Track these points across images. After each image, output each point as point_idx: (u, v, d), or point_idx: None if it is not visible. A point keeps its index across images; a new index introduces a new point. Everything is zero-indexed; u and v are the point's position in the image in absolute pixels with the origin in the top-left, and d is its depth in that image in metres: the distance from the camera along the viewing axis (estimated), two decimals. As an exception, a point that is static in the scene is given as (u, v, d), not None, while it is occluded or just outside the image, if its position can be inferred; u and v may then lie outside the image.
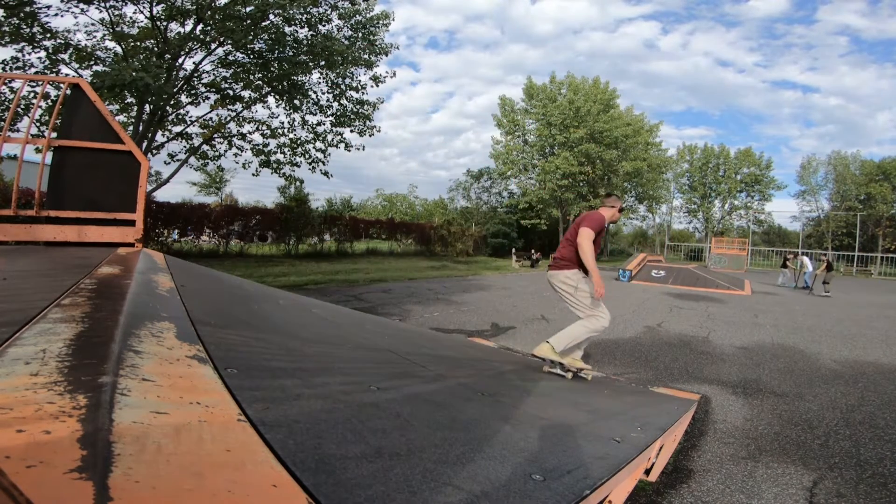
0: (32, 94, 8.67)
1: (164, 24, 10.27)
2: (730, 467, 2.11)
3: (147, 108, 10.25)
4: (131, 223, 3.31)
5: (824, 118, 69.22)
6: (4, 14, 8.29)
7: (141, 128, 10.30)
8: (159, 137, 11.40)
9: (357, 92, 12.74)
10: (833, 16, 65.72)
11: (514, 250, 23.23)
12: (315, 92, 12.39)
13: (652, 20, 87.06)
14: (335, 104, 12.65)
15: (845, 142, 68.73)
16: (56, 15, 9.16)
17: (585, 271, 3.14)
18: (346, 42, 11.75)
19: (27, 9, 8.41)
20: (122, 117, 10.70)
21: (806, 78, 74.65)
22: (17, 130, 8.34)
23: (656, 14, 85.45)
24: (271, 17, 10.33)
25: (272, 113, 12.68)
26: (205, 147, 12.13)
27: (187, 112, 12.05)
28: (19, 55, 8.92)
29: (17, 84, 8.16)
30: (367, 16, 12.07)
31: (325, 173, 13.23)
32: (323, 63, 11.28)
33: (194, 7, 9.90)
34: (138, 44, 10.22)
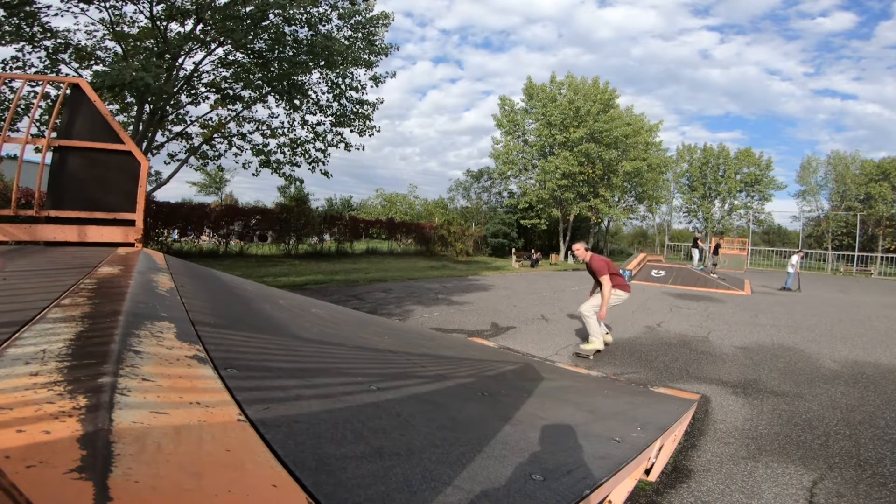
0: (32, 94, 8.67)
1: (164, 23, 10.27)
2: (730, 467, 2.10)
3: (147, 108, 10.25)
4: (131, 223, 3.31)
5: (856, 123, 70.51)
6: (5, 14, 8.29)
7: (141, 128, 10.30)
8: (159, 137, 11.40)
9: (357, 92, 12.76)
10: (892, 32, 66.42)
11: (514, 250, 23.23)
12: (315, 92, 12.40)
13: (715, 31, 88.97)
14: (335, 104, 12.66)
15: (873, 145, 70.18)
16: (56, 15, 9.17)
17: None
18: (346, 42, 11.76)
19: (27, 9, 8.41)
20: (122, 117, 10.70)
21: (849, 87, 76.15)
22: (17, 130, 8.35)
23: (721, 26, 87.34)
24: (271, 17, 10.34)
25: (272, 113, 12.68)
26: (205, 147, 12.14)
27: (187, 112, 12.05)
28: (19, 55, 8.92)
29: (17, 84, 8.17)
30: (367, 16, 12.07)
31: (325, 173, 13.24)
32: (323, 63, 11.28)
33: (194, 7, 9.91)
34: (138, 44, 10.22)
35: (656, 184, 34.15)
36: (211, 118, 12.26)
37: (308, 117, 12.67)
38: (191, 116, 12.13)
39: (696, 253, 16.46)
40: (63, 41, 9.35)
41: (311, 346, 1.68)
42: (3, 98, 8.66)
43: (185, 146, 11.89)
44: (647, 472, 1.86)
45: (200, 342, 1.12)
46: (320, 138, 12.87)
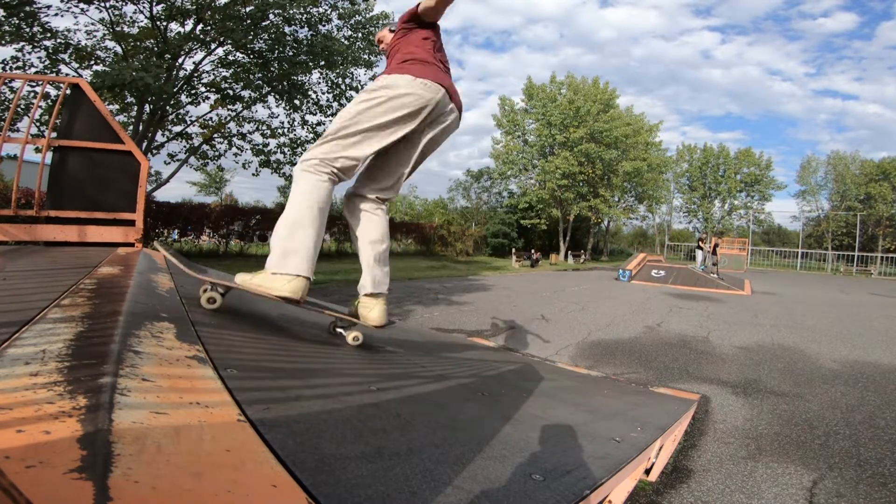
0: (32, 94, 8.67)
1: (164, 23, 10.28)
2: (730, 467, 2.10)
3: (147, 108, 10.26)
4: (131, 223, 3.31)
5: (857, 123, 70.98)
6: (5, 14, 8.30)
7: (141, 128, 10.31)
8: (159, 137, 11.42)
9: (357, 92, 12.77)
10: (893, 32, 66.76)
11: (513, 250, 23.24)
12: (315, 92, 12.42)
13: (716, 31, 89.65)
14: (335, 104, 12.67)
15: (874, 145, 70.64)
16: (56, 15, 9.19)
17: None
18: (346, 42, 11.77)
19: (27, 9, 8.42)
20: (122, 117, 10.71)
21: (850, 87, 76.70)
22: (17, 130, 8.36)
23: (723, 26, 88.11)
24: (271, 17, 10.34)
25: (272, 113, 12.71)
26: (205, 147, 12.15)
27: (187, 112, 12.09)
28: (19, 55, 8.93)
29: (17, 84, 8.17)
30: (367, 16, 12.09)
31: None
32: (323, 63, 11.30)
33: (194, 7, 9.92)
34: (138, 44, 10.23)
35: (656, 184, 34.21)
36: (211, 118, 12.28)
37: (308, 117, 12.70)
38: (191, 116, 12.17)
39: (699, 254, 16.71)
40: (63, 41, 9.36)
41: (311, 346, 1.68)
42: (3, 98, 8.67)
43: (185, 146, 11.92)
44: (647, 472, 1.86)
45: (200, 342, 1.12)
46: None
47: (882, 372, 4.04)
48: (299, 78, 11.72)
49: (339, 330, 1.94)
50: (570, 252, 28.94)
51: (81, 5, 9.39)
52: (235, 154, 12.62)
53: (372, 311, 1.81)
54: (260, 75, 11.36)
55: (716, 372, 3.87)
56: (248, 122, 12.63)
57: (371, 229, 1.85)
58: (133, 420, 0.62)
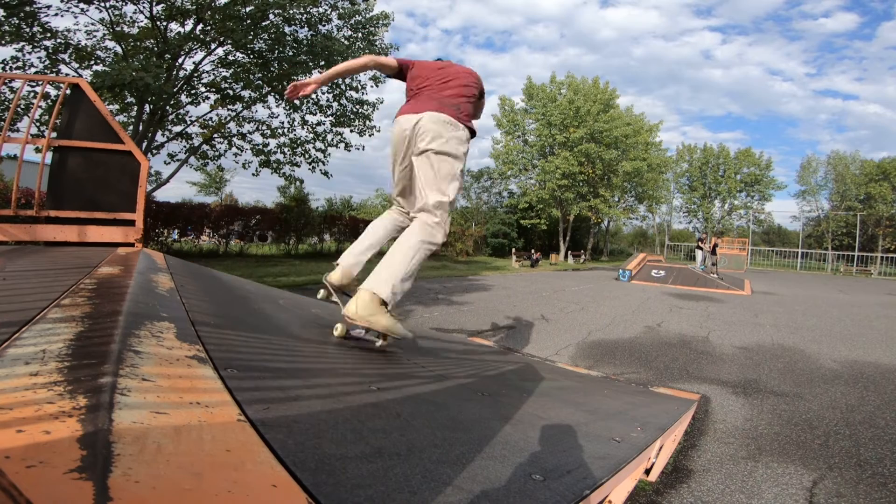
0: (32, 94, 8.67)
1: (164, 23, 10.28)
2: (730, 467, 2.10)
3: (147, 108, 10.26)
4: (131, 223, 3.31)
5: (857, 123, 71.21)
6: (4, 14, 8.29)
7: (141, 128, 10.31)
8: (159, 137, 11.41)
9: (357, 92, 12.77)
10: (894, 32, 66.97)
11: (514, 250, 23.23)
12: (315, 92, 12.42)
13: (717, 31, 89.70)
14: (335, 104, 12.67)
15: (874, 145, 70.87)
16: (56, 15, 9.19)
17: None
18: (346, 42, 11.77)
19: (27, 9, 8.41)
20: (122, 117, 10.71)
21: (850, 87, 77.01)
22: (17, 130, 8.35)
23: (724, 27, 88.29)
24: (271, 16, 10.35)
25: (272, 113, 12.70)
26: (205, 147, 12.15)
27: (187, 112, 12.07)
28: (19, 55, 8.93)
29: (17, 84, 8.17)
30: (367, 16, 12.09)
31: (325, 173, 13.26)
32: (323, 63, 11.30)
33: (194, 7, 9.91)
34: (138, 44, 10.23)
35: (656, 184, 34.21)
36: (211, 118, 12.28)
37: (308, 117, 12.70)
38: (191, 116, 12.16)
39: (699, 254, 16.81)
40: (63, 41, 9.36)
41: (311, 346, 1.68)
42: (3, 98, 8.66)
43: (185, 146, 11.91)
44: (647, 472, 1.86)
45: (200, 342, 1.12)
46: (320, 138, 12.89)
47: (882, 372, 4.04)
48: (299, 78, 11.71)
49: (367, 335, 2.06)
50: (570, 252, 28.94)
51: (81, 5, 9.38)
52: (235, 154, 12.62)
53: (351, 304, 1.80)
54: (260, 75, 11.35)
55: (716, 372, 3.87)
56: (248, 122, 12.63)
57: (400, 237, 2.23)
58: (133, 420, 0.62)
